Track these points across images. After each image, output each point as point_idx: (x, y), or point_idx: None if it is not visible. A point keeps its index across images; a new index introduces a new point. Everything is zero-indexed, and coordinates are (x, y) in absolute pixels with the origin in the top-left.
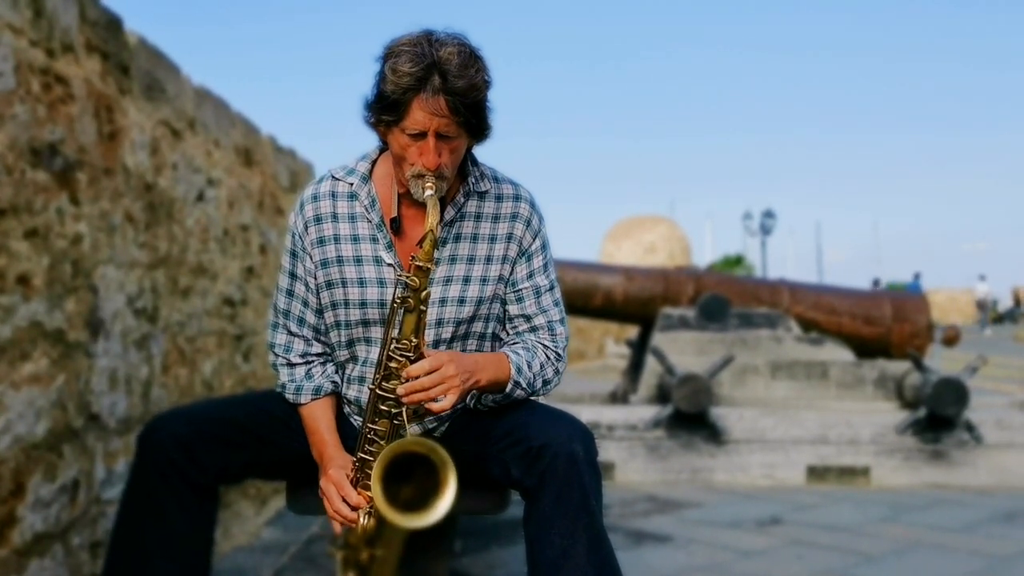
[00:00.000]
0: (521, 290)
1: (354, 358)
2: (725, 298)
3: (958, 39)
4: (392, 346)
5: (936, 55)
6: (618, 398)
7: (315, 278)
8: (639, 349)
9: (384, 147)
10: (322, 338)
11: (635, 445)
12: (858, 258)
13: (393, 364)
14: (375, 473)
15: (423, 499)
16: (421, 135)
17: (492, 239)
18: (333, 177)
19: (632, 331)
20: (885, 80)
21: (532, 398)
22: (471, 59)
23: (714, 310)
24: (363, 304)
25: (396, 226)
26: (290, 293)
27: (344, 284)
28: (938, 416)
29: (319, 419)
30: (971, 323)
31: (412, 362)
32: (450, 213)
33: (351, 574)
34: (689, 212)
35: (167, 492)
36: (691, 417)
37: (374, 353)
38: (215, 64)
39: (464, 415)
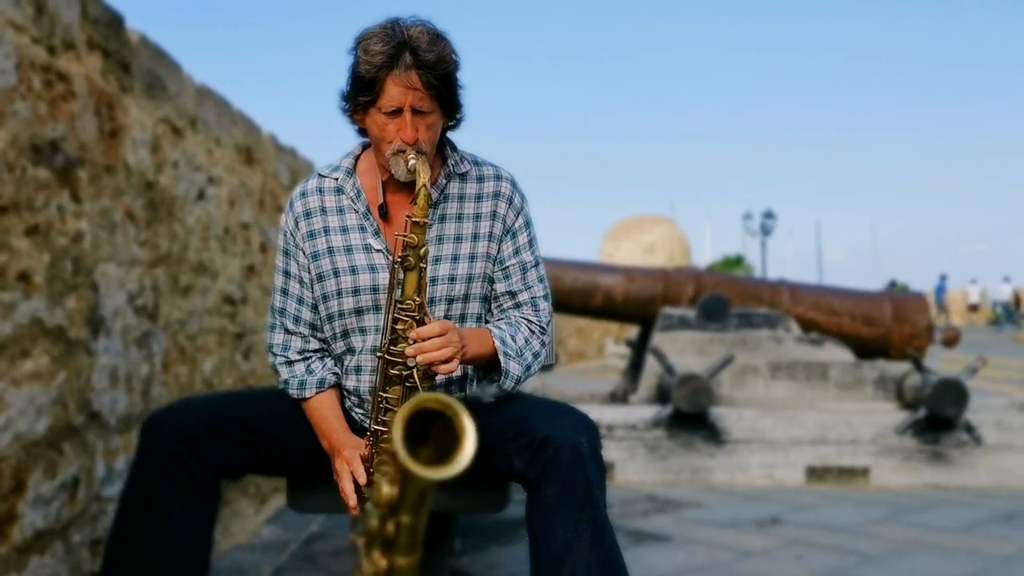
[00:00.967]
0: (508, 267)
1: (350, 350)
2: (725, 298)
3: (959, 40)
4: (396, 308)
5: (936, 56)
6: (618, 398)
7: (309, 272)
8: (639, 349)
9: (366, 145)
10: (319, 334)
11: (635, 445)
12: (857, 259)
13: (399, 326)
14: (395, 432)
15: (443, 456)
16: (397, 112)
17: (477, 218)
18: (319, 175)
19: (632, 331)
20: (885, 81)
21: (534, 393)
22: (438, 37)
23: (714, 310)
24: (356, 291)
25: (383, 213)
26: (285, 292)
27: (336, 274)
28: (938, 417)
29: (326, 409)
30: (980, 324)
31: (417, 322)
32: (433, 195)
33: (376, 553)
34: (689, 212)
35: (168, 485)
36: (691, 417)
37: (369, 341)
38: (216, 63)
39: (469, 409)
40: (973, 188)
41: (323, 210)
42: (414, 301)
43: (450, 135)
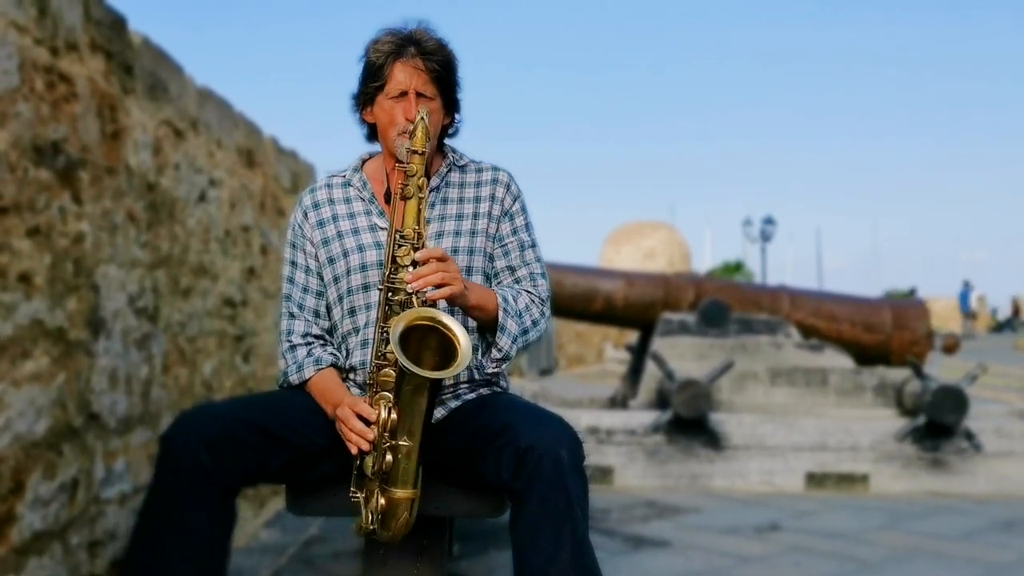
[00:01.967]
0: (507, 244)
1: (356, 329)
2: (725, 304)
3: (958, 47)
4: (396, 237)
5: (936, 63)
6: (617, 403)
7: (317, 260)
8: (639, 354)
9: (372, 154)
10: (322, 322)
11: (634, 450)
12: (857, 265)
13: (399, 254)
14: (394, 340)
15: (441, 364)
16: (403, 95)
17: (476, 200)
18: (328, 176)
19: (632, 336)
20: (885, 87)
21: (524, 396)
22: (439, 37)
23: (714, 316)
24: (363, 267)
25: (388, 198)
26: (291, 280)
27: (346, 255)
28: (937, 424)
29: (328, 381)
30: (980, 331)
31: (416, 251)
32: (435, 182)
33: (375, 490)
34: (689, 218)
35: (192, 493)
36: (690, 422)
37: (374, 315)
38: (218, 65)
39: (459, 413)
40: (974, 195)
41: (331, 201)
42: (414, 230)
43: (450, 143)
